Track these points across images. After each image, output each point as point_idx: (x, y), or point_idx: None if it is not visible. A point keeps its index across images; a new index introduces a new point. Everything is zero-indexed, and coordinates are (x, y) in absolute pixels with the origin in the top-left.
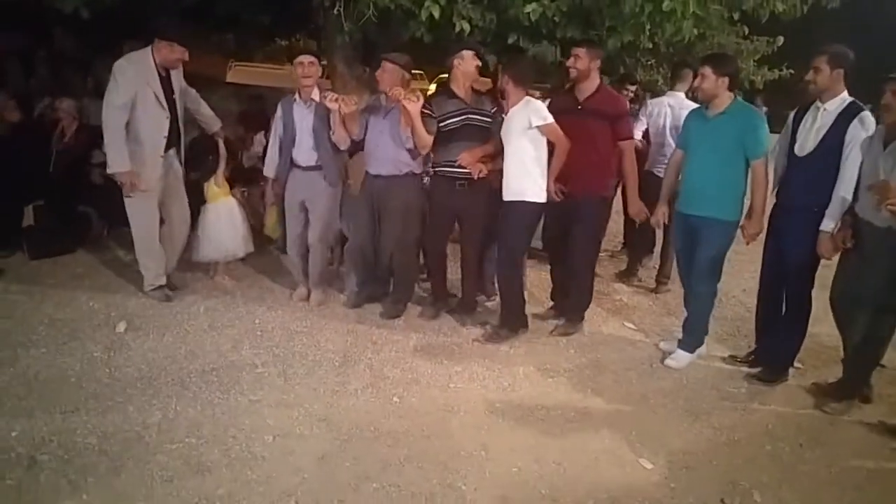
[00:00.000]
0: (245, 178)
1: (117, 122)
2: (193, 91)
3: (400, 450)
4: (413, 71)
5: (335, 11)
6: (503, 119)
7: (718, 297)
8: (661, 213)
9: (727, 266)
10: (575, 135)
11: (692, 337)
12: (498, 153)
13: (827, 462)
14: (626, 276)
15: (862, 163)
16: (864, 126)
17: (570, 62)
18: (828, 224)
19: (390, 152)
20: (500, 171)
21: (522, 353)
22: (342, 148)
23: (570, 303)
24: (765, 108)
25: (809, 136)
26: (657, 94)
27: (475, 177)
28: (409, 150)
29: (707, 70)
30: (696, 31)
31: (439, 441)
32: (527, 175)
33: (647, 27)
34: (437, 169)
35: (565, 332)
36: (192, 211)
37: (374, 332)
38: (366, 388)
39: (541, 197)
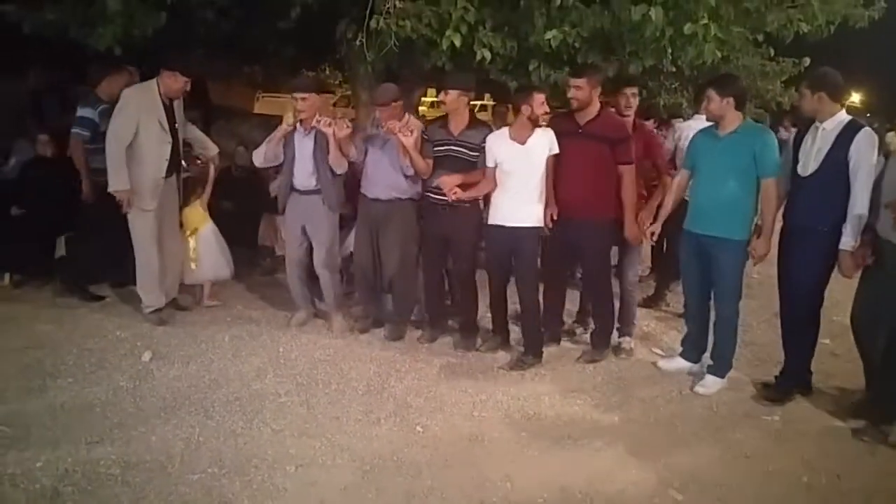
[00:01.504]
0: (272, 207)
1: (119, 145)
2: (189, 124)
3: (423, 480)
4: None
5: (357, 43)
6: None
7: (748, 320)
8: (653, 231)
9: (758, 290)
10: (576, 158)
11: (721, 361)
12: (478, 181)
13: (866, 494)
14: (654, 301)
15: (882, 180)
16: (867, 141)
17: (571, 93)
18: (847, 242)
19: (389, 178)
20: (483, 199)
21: (548, 381)
22: (338, 172)
23: (595, 329)
24: (794, 129)
25: (811, 157)
26: (678, 116)
27: (449, 199)
28: (407, 177)
29: (711, 93)
30: (719, 54)
31: (463, 471)
32: (542, 201)
33: (669, 51)
34: (425, 193)
35: (592, 360)
36: None
37: (398, 359)
38: (389, 416)
39: None
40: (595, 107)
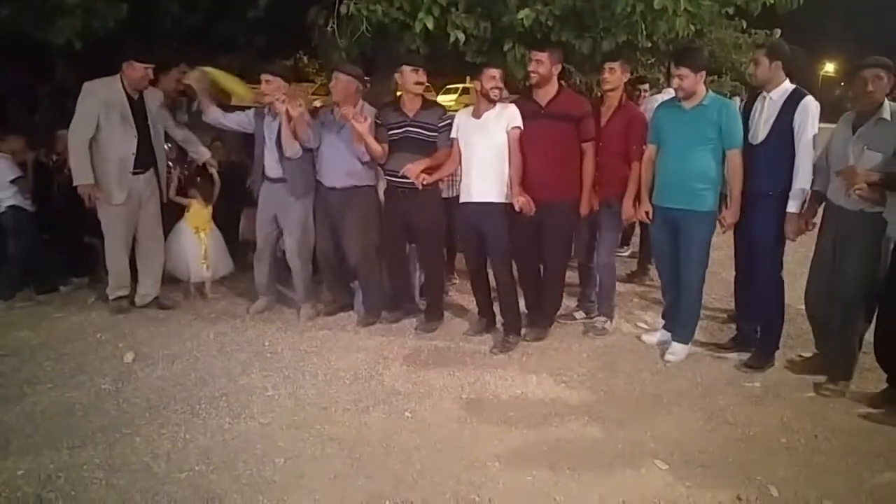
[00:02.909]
0: (252, 202)
1: (79, 139)
2: (171, 119)
3: (413, 465)
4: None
5: (329, 29)
6: (449, 130)
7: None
8: (645, 211)
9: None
10: (540, 139)
11: (686, 328)
12: (443, 162)
13: (842, 453)
14: (637, 276)
15: (830, 146)
16: (808, 111)
17: (532, 66)
18: (793, 205)
19: (345, 165)
20: (445, 180)
21: (535, 361)
22: (288, 154)
23: (542, 310)
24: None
25: (760, 125)
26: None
27: (419, 187)
28: (363, 163)
29: (684, 70)
30: (693, 28)
31: (452, 454)
32: (504, 177)
33: (642, 26)
34: (385, 177)
35: (536, 338)
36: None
37: (385, 347)
38: (377, 404)
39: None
40: (554, 86)
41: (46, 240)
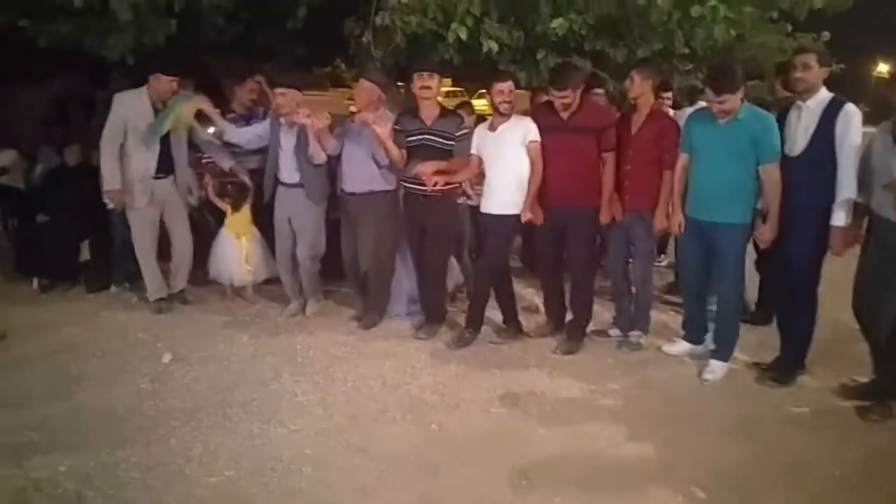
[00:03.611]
0: None
1: (109, 147)
2: (204, 133)
3: (440, 479)
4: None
5: (364, 40)
6: (467, 140)
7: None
8: (678, 222)
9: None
10: (563, 150)
11: (726, 347)
12: (459, 170)
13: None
14: (673, 289)
15: (871, 158)
16: (850, 119)
17: (557, 103)
18: (839, 219)
19: (364, 170)
20: (460, 186)
21: (567, 374)
22: (316, 163)
23: (572, 319)
24: None
25: (798, 136)
26: (693, 98)
27: (428, 190)
28: (382, 168)
29: (726, 97)
30: (733, 33)
31: (480, 470)
32: (520, 189)
33: (679, 34)
34: (401, 183)
35: (568, 351)
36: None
37: (413, 355)
38: (405, 414)
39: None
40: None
41: (97, 240)
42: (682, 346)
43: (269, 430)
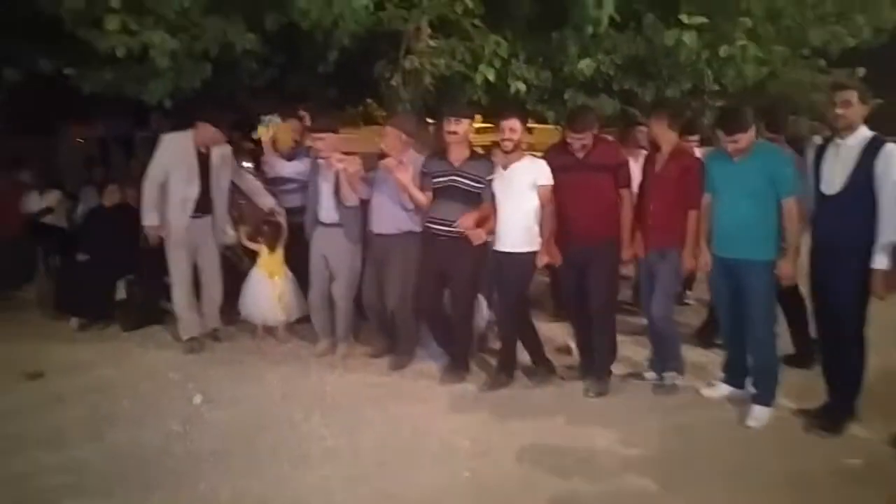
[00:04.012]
0: None
1: (151, 186)
2: (246, 174)
3: None
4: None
5: (393, 83)
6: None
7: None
8: (704, 261)
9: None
10: (580, 189)
11: (767, 390)
12: (489, 215)
13: None
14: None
15: None
16: (891, 158)
17: (577, 147)
18: (880, 261)
19: (391, 212)
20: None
21: (603, 419)
22: (348, 205)
23: (597, 357)
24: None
25: (835, 174)
26: None
27: (475, 242)
28: (407, 210)
29: (738, 136)
30: (765, 70)
31: None
32: (531, 227)
33: (708, 73)
34: (425, 224)
35: (599, 392)
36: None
37: (444, 399)
38: (436, 461)
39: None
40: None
41: (132, 280)
42: (722, 390)
43: (299, 474)
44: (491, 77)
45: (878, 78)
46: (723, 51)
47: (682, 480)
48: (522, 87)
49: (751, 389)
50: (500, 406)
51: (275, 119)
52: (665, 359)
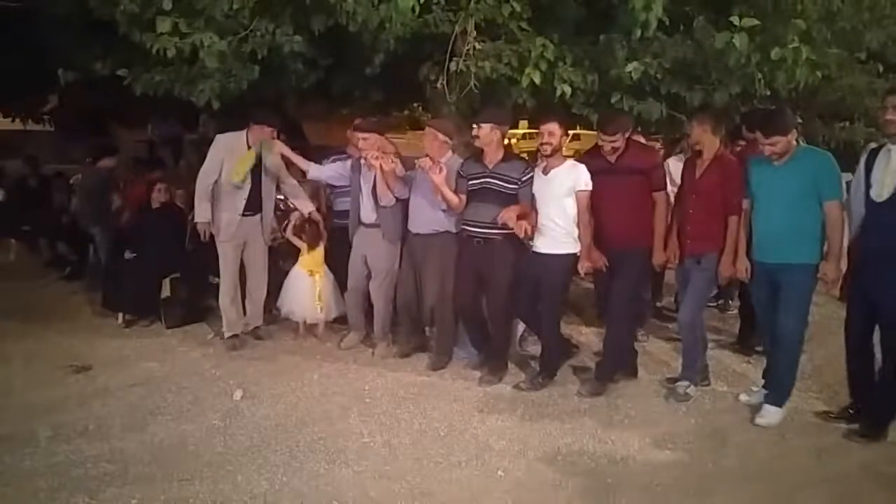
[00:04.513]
0: None
1: (204, 182)
2: (290, 178)
3: None
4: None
5: (439, 85)
6: (530, 185)
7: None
8: (744, 267)
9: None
10: (612, 193)
11: (780, 390)
12: (529, 213)
13: None
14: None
15: None
16: None
17: (606, 147)
18: None
19: (427, 213)
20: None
21: (638, 423)
22: (383, 203)
23: (602, 359)
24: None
25: (886, 181)
26: None
27: (521, 235)
28: (444, 211)
29: (776, 138)
30: (819, 75)
31: None
32: (571, 230)
33: (759, 77)
34: (461, 226)
35: (593, 392)
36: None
37: (481, 399)
38: (470, 459)
39: None
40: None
41: (177, 279)
42: (762, 397)
43: (334, 470)
44: (537, 80)
45: None
46: (774, 53)
47: (713, 483)
48: (568, 89)
49: (754, 391)
50: (536, 406)
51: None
52: (684, 366)
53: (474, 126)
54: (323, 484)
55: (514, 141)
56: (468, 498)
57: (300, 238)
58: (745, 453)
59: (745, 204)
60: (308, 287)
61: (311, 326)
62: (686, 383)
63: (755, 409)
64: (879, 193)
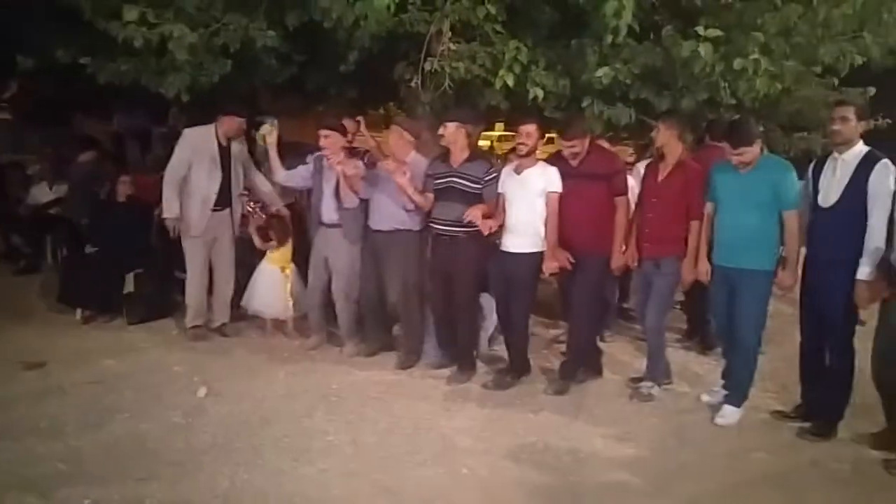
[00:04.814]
0: None
1: (172, 177)
2: (259, 174)
3: None
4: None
5: (413, 84)
6: (495, 184)
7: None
8: (705, 270)
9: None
10: (574, 196)
11: (739, 391)
12: (493, 213)
13: None
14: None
15: (894, 212)
16: (886, 173)
17: (567, 152)
18: (864, 272)
19: (389, 210)
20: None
21: (603, 422)
22: (346, 206)
23: (565, 361)
24: None
25: (832, 188)
26: None
27: (485, 233)
28: (407, 210)
29: (744, 149)
30: (779, 86)
31: None
32: (539, 230)
33: (724, 85)
34: (428, 225)
35: (557, 391)
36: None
37: (449, 398)
38: (436, 458)
39: None
40: (585, 146)
41: (141, 274)
42: (722, 396)
43: (298, 468)
44: (510, 83)
45: (891, 98)
46: (736, 63)
47: (674, 479)
48: (541, 93)
49: (715, 391)
50: (503, 405)
51: (275, 121)
52: (648, 367)
53: (440, 126)
54: (286, 482)
55: (489, 143)
56: (432, 496)
57: (266, 239)
58: (704, 451)
59: (708, 208)
60: (278, 283)
61: (279, 323)
62: (650, 384)
63: (715, 408)
64: (826, 199)
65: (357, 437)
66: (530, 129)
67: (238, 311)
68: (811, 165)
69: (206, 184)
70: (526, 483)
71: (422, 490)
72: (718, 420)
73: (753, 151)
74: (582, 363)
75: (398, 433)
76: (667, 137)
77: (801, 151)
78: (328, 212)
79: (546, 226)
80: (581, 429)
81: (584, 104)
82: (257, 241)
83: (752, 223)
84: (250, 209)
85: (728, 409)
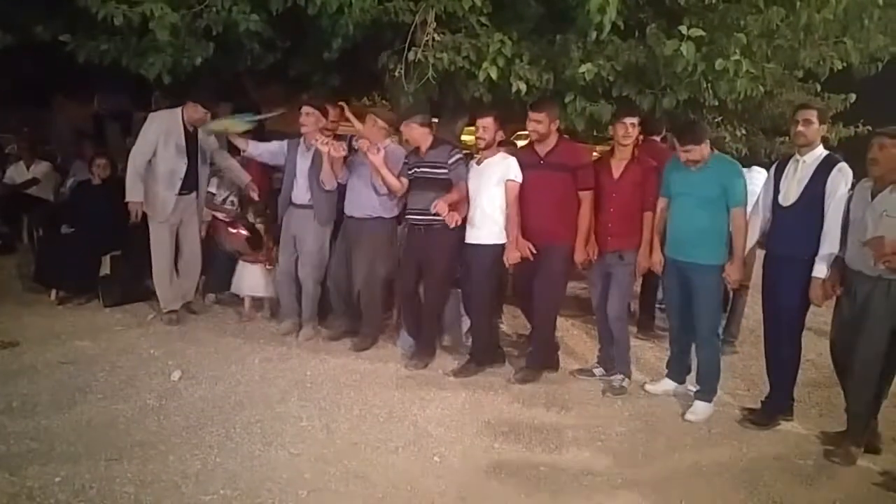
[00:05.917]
0: None
1: (137, 162)
2: (223, 151)
3: None
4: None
5: (396, 74)
6: (461, 166)
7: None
8: (658, 261)
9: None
10: (539, 187)
11: (708, 386)
12: (463, 198)
13: None
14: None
15: (848, 213)
16: (842, 176)
17: (531, 127)
18: (819, 270)
19: (363, 197)
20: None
21: (574, 415)
22: (327, 188)
23: (531, 351)
24: None
25: (792, 188)
26: (721, 149)
27: (451, 226)
28: (380, 196)
29: (691, 147)
30: (762, 89)
31: None
32: (500, 221)
33: (705, 85)
34: (404, 215)
35: (524, 380)
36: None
37: (423, 387)
38: (408, 445)
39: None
40: (553, 138)
41: (118, 256)
42: (666, 385)
43: (270, 452)
44: (494, 75)
45: (872, 103)
46: (718, 64)
47: (645, 474)
48: (524, 87)
49: (690, 387)
50: (476, 395)
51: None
52: (616, 361)
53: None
54: (257, 465)
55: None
56: (402, 482)
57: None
58: (673, 445)
59: (662, 202)
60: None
61: (258, 304)
62: (621, 377)
63: (685, 402)
64: (786, 198)
65: (330, 423)
66: (487, 122)
67: (217, 297)
68: (774, 166)
69: (172, 167)
70: (496, 472)
71: (392, 476)
72: (689, 416)
73: (701, 150)
74: (547, 352)
75: (371, 420)
76: (635, 136)
77: (782, 156)
78: (300, 192)
79: (506, 216)
80: (553, 419)
81: (567, 99)
82: (231, 249)
83: (703, 219)
84: (225, 220)
85: (699, 406)
